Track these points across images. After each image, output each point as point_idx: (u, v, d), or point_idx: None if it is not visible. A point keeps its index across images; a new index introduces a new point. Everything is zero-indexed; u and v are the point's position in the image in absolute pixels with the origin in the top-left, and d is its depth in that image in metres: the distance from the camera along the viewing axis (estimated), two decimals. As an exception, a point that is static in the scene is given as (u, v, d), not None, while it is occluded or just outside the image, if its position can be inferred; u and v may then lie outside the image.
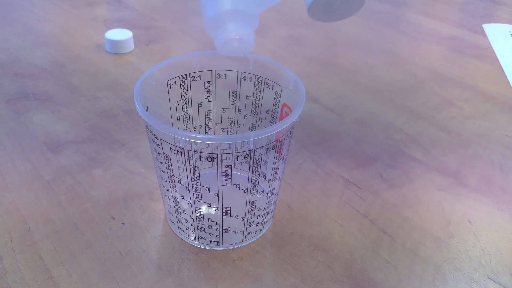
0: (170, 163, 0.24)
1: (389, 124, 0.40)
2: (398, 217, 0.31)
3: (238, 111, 0.31)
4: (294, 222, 0.30)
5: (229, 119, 0.31)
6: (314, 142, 0.38)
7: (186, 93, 0.29)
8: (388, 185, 0.34)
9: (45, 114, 0.39)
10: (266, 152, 0.24)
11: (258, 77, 0.29)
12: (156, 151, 0.25)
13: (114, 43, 0.49)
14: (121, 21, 0.58)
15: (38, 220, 0.29)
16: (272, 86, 0.28)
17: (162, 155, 0.24)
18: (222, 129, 0.32)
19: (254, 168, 0.24)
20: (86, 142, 0.36)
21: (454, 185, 0.34)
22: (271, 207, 0.29)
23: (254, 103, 0.30)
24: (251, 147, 0.22)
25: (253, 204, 0.26)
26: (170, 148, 0.23)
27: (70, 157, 0.35)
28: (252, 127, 0.31)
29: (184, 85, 0.29)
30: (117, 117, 0.39)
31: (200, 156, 0.23)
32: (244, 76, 0.29)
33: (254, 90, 0.30)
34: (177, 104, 0.29)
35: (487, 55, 0.54)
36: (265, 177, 0.25)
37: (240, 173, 0.26)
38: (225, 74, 0.29)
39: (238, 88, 0.30)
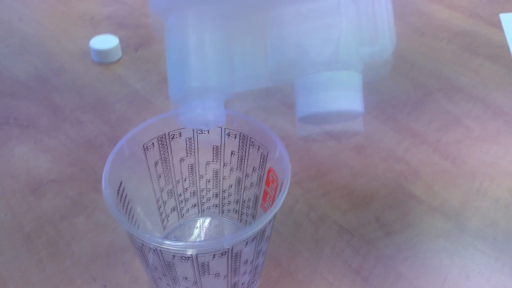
0: (144, 254, 0.23)
1: (390, 151, 0.38)
2: (392, 273, 0.30)
3: (224, 165, 0.29)
4: (283, 281, 0.29)
5: (214, 171, 0.29)
6: (309, 176, 0.36)
7: (166, 151, 0.27)
8: (384, 231, 0.32)
9: (27, 145, 0.38)
10: (246, 245, 0.22)
11: (243, 135, 0.27)
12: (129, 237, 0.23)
13: (100, 53, 0.46)
14: (110, 18, 0.54)
15: (18, 282, 0.28)
16: (258, 147, 0.26)
17: (135, 245, 0.23)
18: (207, 180, 0.30)
19: (233, 261, 0.22)
20: (69, 182, 0.35)
21: (455, 230, 0.32)
22: (257, 276, 0.27)
23: (239, 159, 0.28)
24: (227, 247, 0.21)
25: (235, 284, 0.25)
26: (142, 244, 0.22)
27: (52, 201, 0.33)
28: (239, 181, 0.29)
29: (163, 145, 0.27)
30: (102, 148, 0.37)
31: (173, 256, 0.21)
32: (229, 133, 0.27)
33: (239, 147, 0.27)
34: (156, 163, 0.27)
35: (502, 56, 0.50)
36: (246, 262, 0.24)
37: (219, 260, 0.24)
38: (208, 130, 0.27)
39: (223, 144, 0.28)
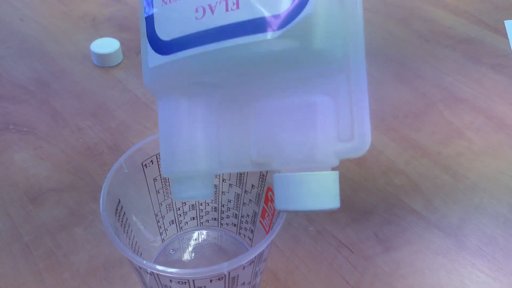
0: (141, 274, 0.23)
1: (391, 164, 0.38)
2: (390, 291, 0.30)
3: (223, 180, 0.29)
4: (280, 297, 0.29)
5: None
6: (308, 189, 0.35)
7: (165, 168, 0.27)
8: (383, 247, 0.32)
9: (27, 151, 0.37)
10: (244, 269, 0.22)
11: (242, 153, 0.26)
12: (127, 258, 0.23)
13: (101, 56, 0.46)
14: (111, 19, 0.54)
15: (16, 294, 0.28)
16: (257, 165, 0.26)
17: (132, 266, 0.23)
18: (206, 194, 0.30)
19: (230, 284, 0.22)
20: (68, 191, 0.35)
21: (454, 247, 0.32)
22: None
23: (239, 176, 0.28)
24: (225, 272, 0.21)
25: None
26: (140, 267, 0.22)
27: (51, 210, 0.33)
28: (238, 197, 0.29)
29: (161, 162, 0.27)
30: (101, 156, 0.37)
31: (170, 280, 0.21)
32: (227, 150, 0.27)
33: (238, 164, 0.27)
34: (155, 179, 0.27)
35: (506, 65, 0.49)
36: (244, 283, 0.24)
37: (217, 283, 0.24)
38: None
39: (222, 161, 0.28)
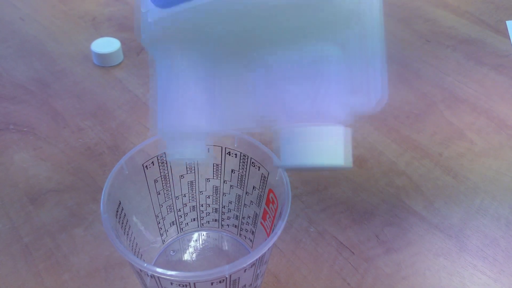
0: (142, 277, 0.23)
1: (392, 164, 0.38)
2: (391, 292, 0.29)
3: (224, 182, 0.29)
4: (281, 299, 0.29)
5: (214, 188, 0.29)
6: (309, 191, 0.35)
7: (165, 169, 0.27)
8: (384, 249, 0.32)
9: (27, 152, 0.37)
10: (245, 271, 0.22)
11: (244, 155, 0.26)
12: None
13: (101, 56, 0.46)
14: (111, 19, 0.54)
15: (16, 295, 0.28)
16: (259, 167, 0.26)
17: (133, 268, 0.23)
18: (207, 196, 0.30)
19: (231, 287, 0.22)
20: (68, 191, 0.34)
21: (455, 249, 0.32)
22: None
23: (240, 177, 0.28)
24: (226, 275, 0.21)
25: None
26: (140, 269, 0.21)
27: (51, 211, 0.33)
28: (239, 198, 0.29)
29: (162, 163, 0.26)
30: (102, 156, 0.37)
31: (171, 283, 0.21)
32: (229, 152, 0.27)
33: (239, 166, 0.27)
34: (155, 181, 0.27)
35: (508, 66, 0.49)
36: (245, 286, 0.24)
37: (218, 286, 0.24)
38: (208, 148, 0.27)
39: (223, 162, 0.27)
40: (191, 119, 0.20)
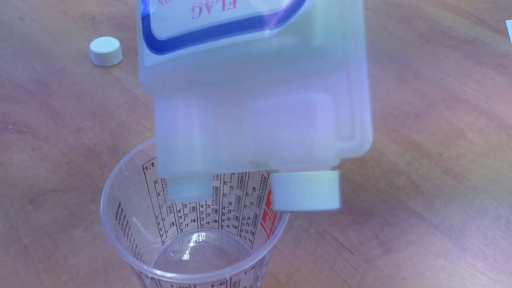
0: (141, 278, 0.23)
1: (392, 164, 0.38)
2: (391, 293, 0.29)
3: (224, 182, 0.29)
4: (281, 300, 0.29)
5: (214, 189, 0.29)
6: (309, 191, 0.35)
7: (165, 170, 0.27)
8: (383, 249, 0.32)
9: (26, 152, 0.37)
10: (245, 273, 0.22)
11: (244, 156, 0.26)
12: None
13: (101, 56, 0.45)
14: (110, 19, 0.54)
15: (15, 296, 0.28)
16: (258, 168, 0.26)
17: (133, 270, 0.23)
18: (207, 196, 0.30)
19: (231, 288, 0.22)
20: (67, 192, 0.34)
21: (455, 249, 0.32)
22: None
23: (240, 178, 0.28)
24: (227, 277, 0.21)
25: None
26: (140, 272, 0.21)
27: (50, 211, 0.33)
28: (239, 199, 0.29)
29: (162, 164, 0.26)
30: (101, 156, 0.37)
31: (171, 285, 0.21)
32: (228, 153, 0.27)
33: (239, 166, 0.27)
34: (155, 182, 0.27)
35: (507, 66, 0.49)
36: (245, 287, 0.24)
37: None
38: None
39: (222, 163, 0.27)
40: (189, 162, 0.21)
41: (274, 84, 0.20)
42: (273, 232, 0.24)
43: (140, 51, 0.21)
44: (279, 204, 0.20)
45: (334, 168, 0.20)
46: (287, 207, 0.20)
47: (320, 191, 0.20)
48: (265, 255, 0.22)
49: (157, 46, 0.20)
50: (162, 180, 0.27)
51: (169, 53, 0.19)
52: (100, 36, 0.50)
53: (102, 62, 0.46)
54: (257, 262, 0.21)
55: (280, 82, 0.20)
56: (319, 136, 0.19)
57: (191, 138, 0.21)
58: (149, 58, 0.20)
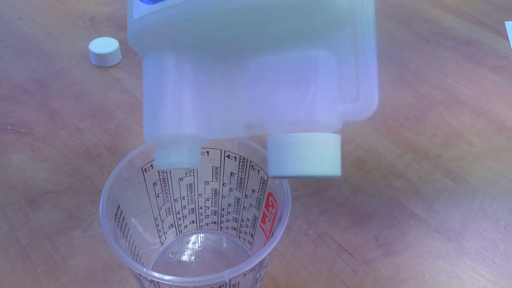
0: (140, 281, 0.23)
1: (391, 166, 0.38)
2: (390, 295, 0.29)
3: (223, 184, 0.29)
4: (280, 302, 0.29)
5: (213, 190, 0.29)
6: (308, 193, 0.35)
7: (165, 172, 0.27)
8: (383, 251, 0.32)
9: (25, 153, 0.37)
10: (245, 276, 0.22)
11: (243, 158, 0.26)
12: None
13: (100, 56, 0.45)
14: (109, 19, 0.54)
15: (14, 298, 0.28)
16: (258, 170, 0.26)
17: (132, 273, 0.22)
18: (206, 198, 0.30)
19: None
20: (66, 193, 0.34)
21: (454, 251, 0.32)
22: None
23: (239, 180, 0.28)
24: (226, 280, 0.20)
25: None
26: (139, 274, 0.21)
27: (49, 213, 0.33)
28: (238, 201, 0.29)
29: (161, 166, 0.26)
30: (100, 157, 0.37)
31: (170, 287, 0.21)
32: (228, 155, 0.27)
33: (239, 169, 0.27)
34: (155, 184, 0.27)
35: (507, 67, 0.49)
36: (244, 290, 0.24)
37: None
38: (207, 152, 0.27)
39: (222, 165, 0.27)
40: (178, 125, 0.19)
41: (274, 41, 0.19)
42: (272, 234, 0.24)
43: (130, 3, 0.19)
44: (274, 168, 0.19)
45: (336, 133, 0.19)
46: (284, 171, 0.18)
47: (320, 155, 0.18)
48: (264, 257, 0.22)
49: None
50: (161, 182, 0.27)
51: (161, 2, 0.18)
52: (99, 36, 0.50)
53: (101, 63, 0.46)
54: (256, 264, 0.21)
55: (280, 38, 0.18)
56: (320, 95, 0.18)
57: (181, 98, 0.19)
58: (139, 8, 0.18)
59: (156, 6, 0.18)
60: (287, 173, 0.18)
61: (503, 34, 0.55)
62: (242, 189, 0.28)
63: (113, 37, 0.48)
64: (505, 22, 0.57)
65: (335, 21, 0.17)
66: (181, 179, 0.28)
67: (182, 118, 0.19)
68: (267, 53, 0.19)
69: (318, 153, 0.18)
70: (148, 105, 0.20)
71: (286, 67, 0.19)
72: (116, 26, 0.52)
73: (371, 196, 0.35)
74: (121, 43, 0.49)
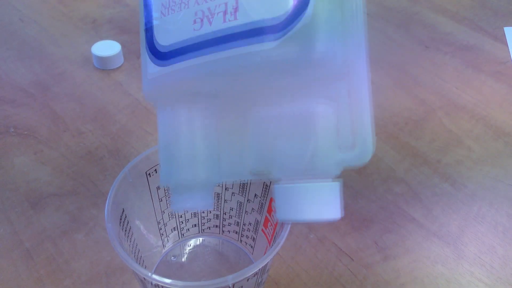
0: (144, 283, 0.23)
1: (391, 171, 0.38)
2: (389, 299, 0.30)
3: (226, 189, 0.29)
4: (281, 305, 0.29)
5: (215, 195, 0.29)
6: (309, 197, 0.36)
7: (168, 176, 0.27)
8: (382, 255, 0.32)
9: (27, 156, 0.37)
10: (247, 280, 0.22)
11: (246, 163, 0.27)
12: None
13: (102, 59, 0.46)
14: (111, 21, 0.54)
15: (17, 300, 0.28)
16: (260, 175, 0.26)
17: (136, 277, 0.23)
18: (208, 202, 0.30)
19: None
20: (69, 196, 0.34)
21: (453, 256, 0.32)
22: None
23: (241, 185, 0.28)
24: (229, 284, 0.21)
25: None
26: (144, 278, 0.22)
27: (52, 216, 0.33)
28: (240, 205, 0.29)
29: (165, 171, 0.27)
30: (102, 160, 0.37)
31: (174, 291, 0.21)
32: (231, 160, 0.27)
33: (241, 173, 0.27)
34: (158, 188, 0.27)
35: (505, 73, 0.50)
36: (247, 294, 0.24)
37: None
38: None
39: (224, 170, 0.28)
40: (191, 171, 0.21)
41: (275, 94, 0.20)
42: (275, 239, 0.25)
43: (144, 62, 0.21)
44: (281, 213, 0.21)
45: (336, 178, 0.21)
46: (289, 216, 0.21)
47: (321, 201, 0.20)
48: (267, 262, 0.22)
49: (160, 57, 0.20)
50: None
51: (172, 64, 0.20)
52: (101, 39, 0.50)
53: (103, 66, 0.46)
54: (259, 269, 0.22)
55: (281, 91, 0.20)
56: (319, 146, 0.20)
57: (193, 147, 0.21)
58: (152, 68, 0.21)
59: (169, 68, 0.20)
60: (293, 218, 0.20)
61: (502, 40, 0.55)
62: (244, 193, 0.28)
63: (115, 40, 0.49)
64: (504, 28, 0.58)
65: (331, 74, 0.19)
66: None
67: (194, 166, 0.21)
68: (270, 105, 0.21)
69: (319, 200, 0.20)
70: (163, 153, 0.22)
71: (287, 120, 0.20)
72: (118, 29, 0.53)
73: (371, 201, 0.36)
74: (123, 45, 0.49)
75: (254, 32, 0.18)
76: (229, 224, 0.31)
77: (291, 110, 0.20)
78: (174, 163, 0.22)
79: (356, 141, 0.20)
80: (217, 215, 0.31)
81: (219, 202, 0.30)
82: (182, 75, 0.20)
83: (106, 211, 0.22)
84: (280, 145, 0.20)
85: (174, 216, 0.30)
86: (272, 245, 0.22)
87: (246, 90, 0.21)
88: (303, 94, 0.20)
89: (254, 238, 0.30)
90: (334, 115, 0.20)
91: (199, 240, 0.33)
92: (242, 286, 0.22)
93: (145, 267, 0.27)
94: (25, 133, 0.39)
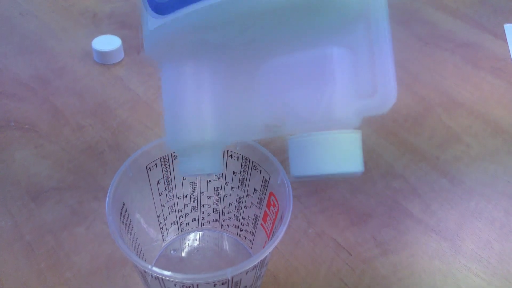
0: (145, 277, 0.23)
1: (390, 167, 0.38)
2: (387, 294, 0.30)
3: (225, 183, 0.29)
4: (280, 299, 0.30)
5: (215, 189, 0.30)
6: (308, 192, 0.36)
7: (168, 171, 0.27)
8: (380, 250, 0.32)
9: (28, 150, 0.38)
10: (247, 273, 0.22)
11: (246, 158, 0.27)
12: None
13: (102, 54, 0.46)
14: (112, 16, 0.54)
15: (18, 293, 0.29)
16: (260, 170, 0.26)
17: (137, 269, 0.23)
18: (208, 197, 0.30)
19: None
20: (69, 190, 0.35)
21: (450, 251, 0.33)
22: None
23: (241, 179, 0.28)
24: (228, 277, 0.21)
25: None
26: (144, 271, 0.22)
27: (53, 209, 0.33)
28: (239, 200, 0.29)
29: (165, 165, 0.27)
30: (102, 154, 0.37)
31: (175, 284, 0.21)
32: (231, 155, 0.27)
33: (241, 168, 0.28)
34: (158, 182, 0.27)
35: (505, 70, 0.50)
36: (246, 286, 0.24)
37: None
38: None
39: (225, 164, 0.28)
40: (199, 131, 0.20)
41: (288, 41, 0.19)
42: (273, 233, 0.25)
43: (144, 16, 0.20)
44: (296, 169, 0.19)
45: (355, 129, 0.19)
46: (306, 171, 0.18)
47: (341, 153, 0.18)
48: (266, 256, 0.23)
49: (161, 7, 0.18)
50: (165, 181, 0.28)
51: (174, 12, 0.18)
52: (102, 33, 0.50)
53: (104, 60, 0.46)
54: (258, 263, 0.22)
55: (294, 38, 0.18)
56: (337, 92, 0.18)
57: (201, 104, 0.20)
58: (153, 20, 0.19)
59: (171, 16, 0.18)
60: (310, 172, 0.18)
61: (502, 37, 0.55)
62: (244, 188, 0.28)
63: (116, 34, 0.49)
64: (504, 25, 0.58)
65: (347, 17, 0.17)
66: (184, 177, 0.28)
67: (203, 124, 0.20)
68: (283, 54, 0.19)
69: (339, 151, 0.18)
70: (169, 114, 0.20)
71: (302, 66, 0.18)
72: (119, 24, 0.53)
73: (370, 196, 0.36)
74: (124, 40, 0.49)
75: None
76: (229, 219, 0.31)
77: (306, 55, 0.18)
78: (180, 123, 0.20)
79: (377, 87, 0.18)
80: (216, 209, 0.31)
81: (219, 197, 0.30)
82: (185, 22, 0.18)
83: (107, 204, 0.22)
84: (294, 95, 0.19)
85: (174, 210, 0.30)
86: (271, 239, 0.22)
87: (255, 38, 0.18)
88: (319, 41, 0.18)
89: (253, 232, 0.30)
90: (352, 59, 0.18)
91: (198, 234, 0.33)
92: (241, 279, 0.23)
93: (145, 261, 0.27)
94: (26, 127, 0.40)
